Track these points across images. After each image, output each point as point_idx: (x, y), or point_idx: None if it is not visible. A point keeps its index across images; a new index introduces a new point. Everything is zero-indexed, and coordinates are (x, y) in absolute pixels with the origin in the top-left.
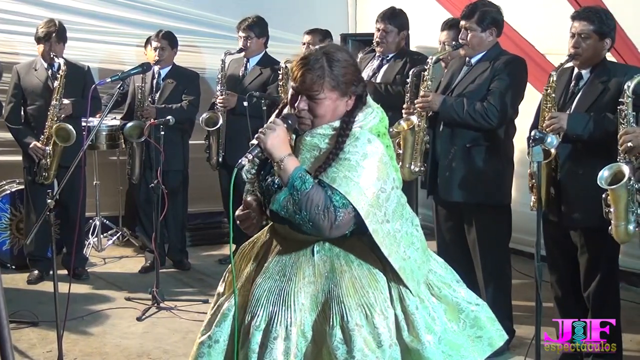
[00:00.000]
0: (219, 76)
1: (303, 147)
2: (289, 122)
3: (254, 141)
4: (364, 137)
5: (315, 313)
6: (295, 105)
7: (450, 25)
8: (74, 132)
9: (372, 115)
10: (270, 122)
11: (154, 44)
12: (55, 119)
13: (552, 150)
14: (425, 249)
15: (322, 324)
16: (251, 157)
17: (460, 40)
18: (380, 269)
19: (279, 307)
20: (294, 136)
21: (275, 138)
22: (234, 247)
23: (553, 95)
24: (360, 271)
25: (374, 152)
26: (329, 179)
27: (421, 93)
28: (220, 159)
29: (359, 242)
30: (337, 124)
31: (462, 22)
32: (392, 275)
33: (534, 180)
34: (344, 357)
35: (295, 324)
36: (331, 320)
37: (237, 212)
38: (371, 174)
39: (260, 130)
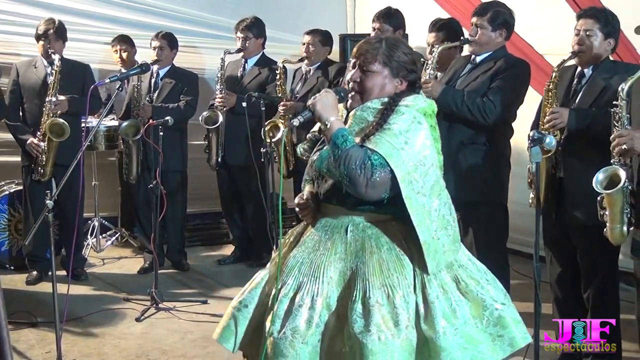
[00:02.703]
0: (219, 75)
1: (353, 120)
2: (342, 94)
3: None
4: (409, 113)
5: (342, 288)
6: (350, 76)
7: (439, 27)
8: (68, 127)
9: (421, 99)
10: (322, 91)
11: (154, 43)
12: (51, 114)
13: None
14: (457, 240)
15: (346, 299)
16: (302, 118)
17: (469, 36)
18: (409, 256)
19: (308, 278)
20: (344, 112)
21: (325, 103)
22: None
23: (555, 91)
24: (389, 255)
25: (418, 127)
26: (372, 144)
27: (423, 79)
28: (219, 159)
29: (392, 227)
30: (386, 99)
31: (474, 19)
32: (419, 264)
33: (532, 176)
34: (360, 329)
35: (322, 295)
36: (354, 295)
37: (297, 200)
38: (412, 146)
39: (312, 97)
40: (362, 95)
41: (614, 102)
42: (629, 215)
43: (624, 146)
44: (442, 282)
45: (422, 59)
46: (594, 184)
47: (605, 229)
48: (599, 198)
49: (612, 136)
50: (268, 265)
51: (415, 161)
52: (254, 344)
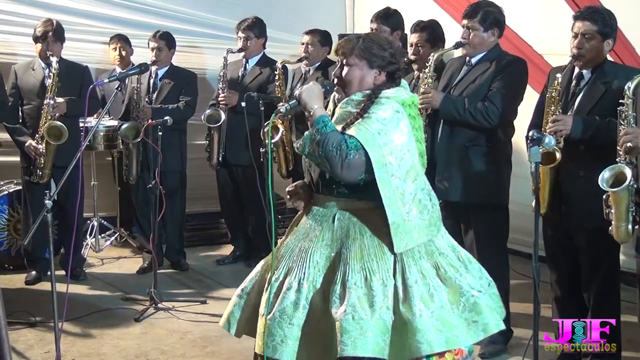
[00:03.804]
0: (221, 74)
1: (339, 114)
2: (327, 87)
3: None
4: (388, 104)
5: (327, 271)
6: (334, 72)
7: (422, 28)
8: (66, 130)
9: (403, 91)
10: (309, 82)
11: (152, 44)
12: (49, 117)
13: (557, 155)
14: (434, 225)
15: (330, 281)
16: (289, 106)
17: (461, 39)
18: (390, 244)
19: (297, 263)
20: (331, 107)
21: (310, 92)
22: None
23: (557, 97)
24: (371, 241)
25: (396, 115)
26: (351, 130)
27: (421, 90)
28: (220, 159)
29: (376, 216)
30: (368, 92)
31: (465, 21)
32: (391, 245)
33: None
34: (337, 309)
35: (308, 279)
36: (336, 277)
37: (288, 188)
38: (388, 132)
39: (298, 88)
40: (344, 88)
41: (620, 101)
42: (634, 214)
43: (629, 144)
44: (422, 268)
45: (405, 58)
46: (599, 182)
47: (610, 228)
48: (604, 196)
49: (619, 134)
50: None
51: (392, 146)
52: (254, 325)
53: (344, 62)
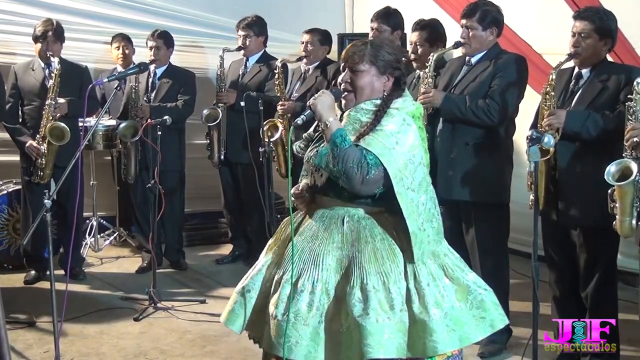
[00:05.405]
0: (218, 72)
1: (348, 121)
2: (336, 94)
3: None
4: (399, 116)
5: (339, 274)
6: (340, 78)
7: (423, 26)
8: (68, 131)
9: (410, 102)
10: (320, 92)
11: (150, 43)
12: (51, 118)
13: (550, 148)
14: (441, 232)
15: (344, 285)
16: (305, 117)
17: (460, 39)
18: (399, 245)
19: (309, 265)
20: (338, 112)
21: (325, 103)
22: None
23: (552, 93)
24: (382, 245)
25: (407, 129)
26: (365, 143)
27: (422, 89)
28: (221, 157)
29: (384, 219)
30: (378, 102)
31: (463, 21)
32: (410, 253)
33: (532, 179)
34: (359, 313)
35: (321, 281)
36: (352, 281)
37: (293, 190)
38: (402, 145)
39: (312, 98)
40: (355, 94)
41: (629, 96)
42: (638, 209)
43: (636, 139)
44: (431, 271)
45: (403, 58)
46: (605, 176)
47: (614, 222)
48: (609, 190)
49: (626, 129)
50: (265, 251)
51: (405, 159)
52: (258, 326)
53: (354, 69)
